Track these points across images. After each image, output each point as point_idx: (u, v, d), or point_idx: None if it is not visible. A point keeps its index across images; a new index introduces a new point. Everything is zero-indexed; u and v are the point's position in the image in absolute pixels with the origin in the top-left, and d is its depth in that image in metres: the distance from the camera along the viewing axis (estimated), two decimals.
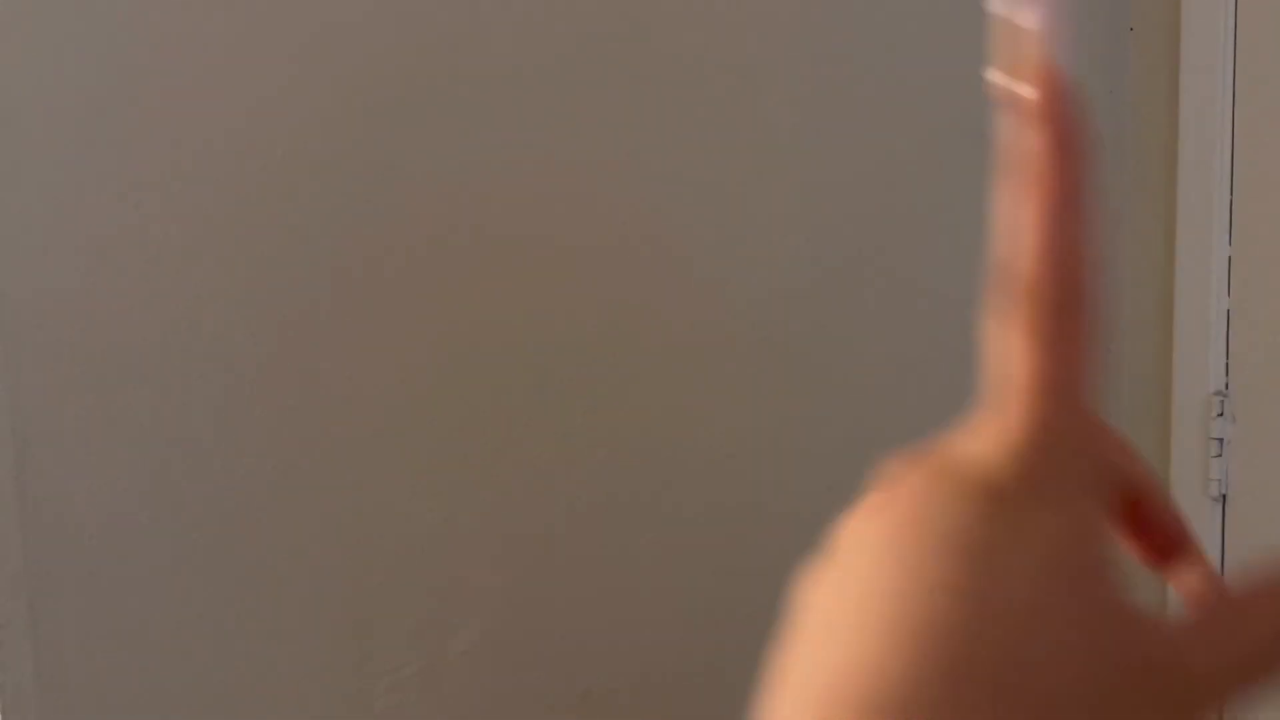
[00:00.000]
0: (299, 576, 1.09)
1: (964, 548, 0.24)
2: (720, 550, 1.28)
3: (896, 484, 0.27)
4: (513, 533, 1.18)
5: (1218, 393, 1.44)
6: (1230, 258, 1.41)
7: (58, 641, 0.94)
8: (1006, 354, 0.26)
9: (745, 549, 1.28)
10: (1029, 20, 0.28)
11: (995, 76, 0.28)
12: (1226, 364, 1.44)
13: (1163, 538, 0.31)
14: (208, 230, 1.00)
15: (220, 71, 0.99)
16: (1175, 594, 0.31)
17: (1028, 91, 0.27)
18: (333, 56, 1.04)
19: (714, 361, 1.26)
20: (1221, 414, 1.44)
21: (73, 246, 0.93)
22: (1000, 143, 0.28)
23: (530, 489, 1.19)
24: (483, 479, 1.17)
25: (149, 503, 1.00)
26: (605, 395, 1.21)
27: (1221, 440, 1.44)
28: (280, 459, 1.07)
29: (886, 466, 0.28)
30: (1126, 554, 0.30)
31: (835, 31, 1.29)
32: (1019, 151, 0.27)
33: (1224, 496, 1.45)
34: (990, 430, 0.26)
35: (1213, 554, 1.45)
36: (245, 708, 1.07)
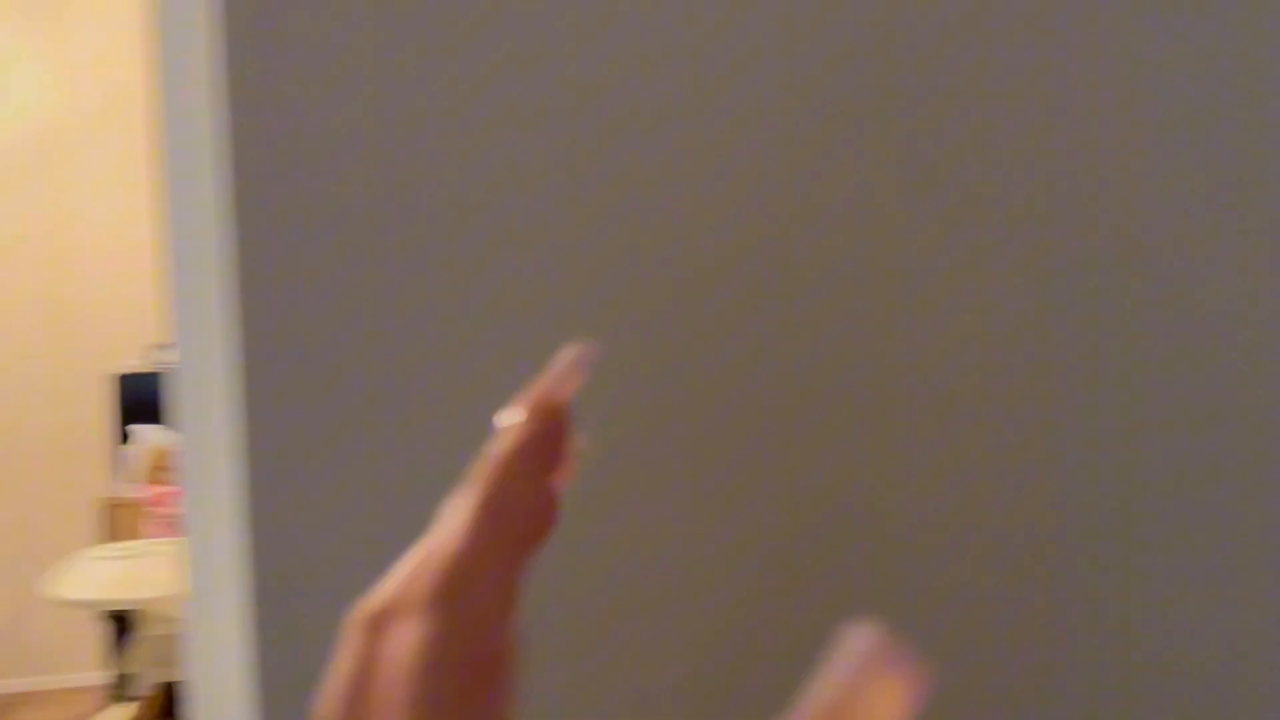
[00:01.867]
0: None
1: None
2: (945, 588, 1.24)
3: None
4: (732, 564, 1.18)
5: None
6: None
7: (281, 681, 0.97)
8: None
9: (969, 588, 1.24)
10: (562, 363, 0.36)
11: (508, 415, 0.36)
12: None
13: None
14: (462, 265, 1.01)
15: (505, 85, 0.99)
16: None
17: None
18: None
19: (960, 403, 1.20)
20: None
21: (305, 277, 0.96)
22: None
23: (755, 520, 1.18)
24: (706, 510, 1.17)
25: (377, 538, 1.03)
26: (853, 415, 1.18)
27: None
28: None
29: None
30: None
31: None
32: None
33: None
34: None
35: None
36: None
